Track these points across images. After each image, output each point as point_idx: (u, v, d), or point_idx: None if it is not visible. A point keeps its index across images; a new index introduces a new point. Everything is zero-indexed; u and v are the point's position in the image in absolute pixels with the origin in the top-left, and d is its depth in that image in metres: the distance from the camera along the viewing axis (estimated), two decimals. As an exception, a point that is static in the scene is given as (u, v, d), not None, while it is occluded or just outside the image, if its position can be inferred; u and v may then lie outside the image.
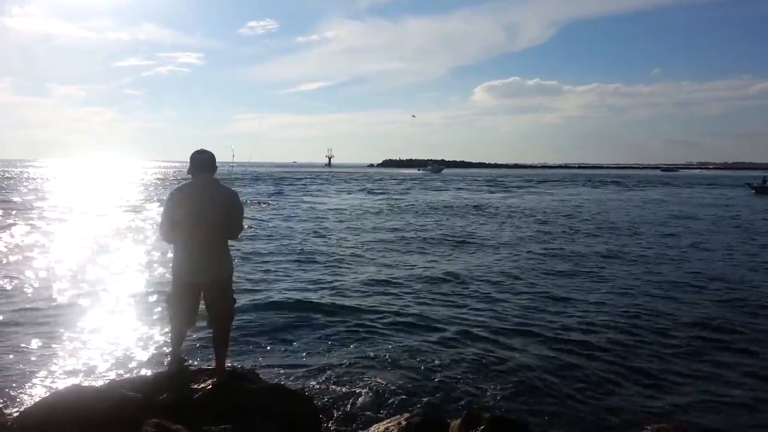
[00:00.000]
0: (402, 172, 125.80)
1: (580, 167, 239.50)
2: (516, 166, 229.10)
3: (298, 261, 13.10)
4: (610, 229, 20.73)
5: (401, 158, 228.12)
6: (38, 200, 30.84)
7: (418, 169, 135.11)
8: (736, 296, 10.05)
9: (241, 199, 4.65)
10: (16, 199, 31.44)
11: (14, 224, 19.04)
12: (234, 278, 4.70)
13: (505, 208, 29.88)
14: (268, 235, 17.53)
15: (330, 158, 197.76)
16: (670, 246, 16.27)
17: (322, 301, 9.29)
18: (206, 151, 4.50)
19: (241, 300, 8.72)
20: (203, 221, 4.29)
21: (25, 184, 49.55)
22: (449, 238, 17.60)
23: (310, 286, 10.38)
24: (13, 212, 23.29)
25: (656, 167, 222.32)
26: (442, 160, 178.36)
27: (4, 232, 17.05)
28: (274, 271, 11.75)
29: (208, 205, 4.32)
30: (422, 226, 21.20)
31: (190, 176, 4.47)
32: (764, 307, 9.30)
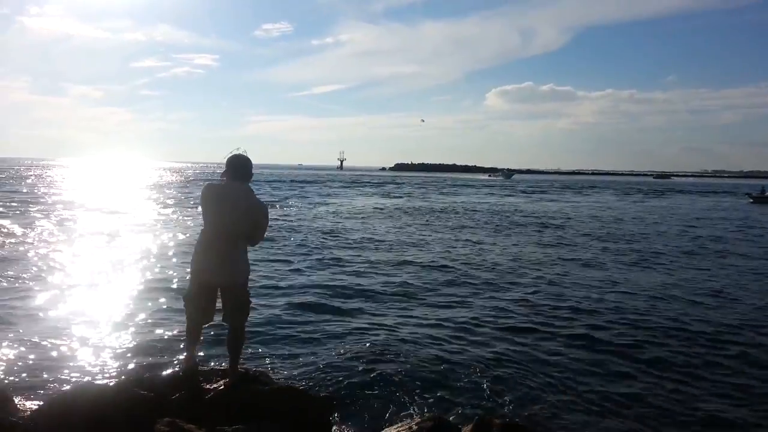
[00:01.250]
0: (476, 177, 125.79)
1: (593, 173, 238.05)
2: (528, 171, 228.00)
3: (322, 262, 13.13)
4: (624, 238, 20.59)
5: (413, 162, 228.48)
6: (55, 198, 31.14)
7: (489, 175, 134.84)
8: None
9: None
10: (32, 197, 31.78)
11: (30, 222, 19.22)
12: (255, 278, 4.69)
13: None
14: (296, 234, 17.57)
15: (342, 161, 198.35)
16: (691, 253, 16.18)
17: (338, 304, 9.28)
18: (243, 156, 4.38)
19: (260, 302, 8.75)
20: (229, 229, 4.25)
21: (44, 183, 50.12)
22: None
23: (327, 290, 10.35)
24: (28, 210, 23.54)
25: (649, 174, 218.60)
26: (513, 168, 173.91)
27: (22, 229, 17.22)
28: (294, 274, 11.77)
29: (237, 214, 4.25)
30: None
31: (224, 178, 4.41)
32: None
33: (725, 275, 12.92)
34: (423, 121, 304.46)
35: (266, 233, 4.61)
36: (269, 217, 4.57)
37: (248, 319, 4.74)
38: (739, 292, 11.09)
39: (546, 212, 31.57)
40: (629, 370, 6.66)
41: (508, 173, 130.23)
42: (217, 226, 4.28)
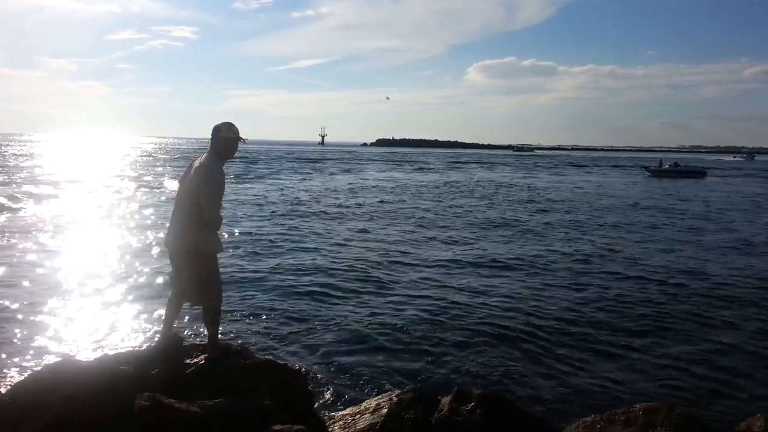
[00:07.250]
0: (719, 158, 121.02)
1: (573, 149, 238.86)
2: (509, 147, 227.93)
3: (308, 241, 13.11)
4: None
5: (395, 137, 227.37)
6: (31, 176, 30.56)
7: (733, 156, 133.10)
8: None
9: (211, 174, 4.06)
10: (8, 176, 31.15)
11: (7, 201, 18.88)
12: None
13: None
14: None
15: (323, 136, 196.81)
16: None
17: (320, 282, 9.33)
18: (218, 124, 4.23)
19: (237, 278, 8.74)
20: (180, 193, 4.26)
21: (20, 161, 49.04)
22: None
23: (307, 269, 10.35)
24: (5, 189, 23.10)
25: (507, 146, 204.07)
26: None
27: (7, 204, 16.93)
28: (276, 252, 11.76)
29: (186, 178, 4.27)
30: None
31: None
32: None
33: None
34: (388, 98, 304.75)
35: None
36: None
37: (217, 297, 4.39)
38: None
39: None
40: (608, 348, 6.75)
41: (751, 154, 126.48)
42: (178, 194, 4.29)
